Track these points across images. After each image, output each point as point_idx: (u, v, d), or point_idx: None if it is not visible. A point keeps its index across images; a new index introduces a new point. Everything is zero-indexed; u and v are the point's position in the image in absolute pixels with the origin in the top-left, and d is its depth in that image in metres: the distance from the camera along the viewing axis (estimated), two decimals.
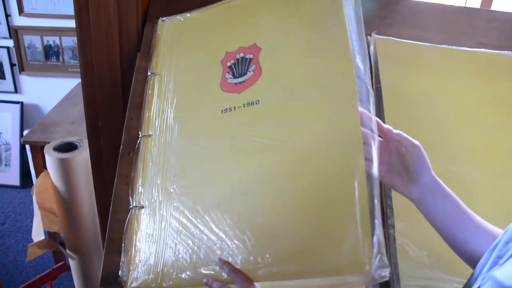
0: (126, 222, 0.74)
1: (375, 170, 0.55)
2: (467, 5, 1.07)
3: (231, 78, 0.75)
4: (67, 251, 1.59)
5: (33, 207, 1.54)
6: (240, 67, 0.75)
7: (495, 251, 0.48)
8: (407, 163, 0.59)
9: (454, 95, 0.89)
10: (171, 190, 0.71)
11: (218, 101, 0.74)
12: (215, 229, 0.65)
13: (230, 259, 0.61)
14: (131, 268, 0.70)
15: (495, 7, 1.33)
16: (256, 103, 0.70)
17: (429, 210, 0.59)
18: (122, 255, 0.72)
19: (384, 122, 0.82)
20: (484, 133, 0.86)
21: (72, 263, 1.63)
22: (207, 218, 0.66)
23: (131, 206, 0.74)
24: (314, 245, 0.58)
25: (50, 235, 1.76)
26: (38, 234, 1.52)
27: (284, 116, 0.67)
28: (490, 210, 0.77)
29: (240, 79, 0.74)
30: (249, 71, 0.73)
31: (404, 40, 0.94)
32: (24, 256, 2.08)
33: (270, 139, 0.67)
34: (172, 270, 0.67)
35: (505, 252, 0.46)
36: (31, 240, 1.55)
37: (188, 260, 0.65)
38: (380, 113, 0.85)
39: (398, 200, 0.73)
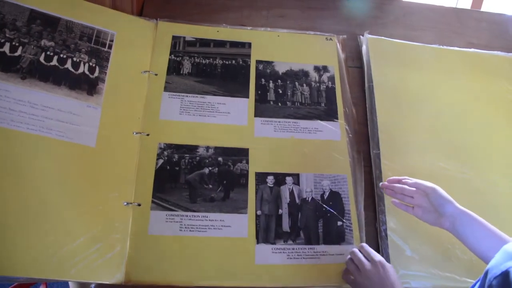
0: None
1: None
2: (457, 6, 1.09)
3: None
4: None
5: None
6: None
7: None
8: (431, 202, 0.69)
9: (445, 94, 0.91)
10: None
11: None
12: None
13: None
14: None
15: (485, 8, 1.35)
16: None
17: (461, 237, 0.66)
18: None
19: (376, 120, 0.84)
20: (475, 130, 0.87)
21: None
22: None
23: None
24: None
25: None
26: None
27: None
28: (482, 206, 0.79)
29: None
30: None
31: (396, 40, 0.96)
32: None
33: None
34: None
35: None
36: None
37: None
38: (372, 112, 0.86)
39: (390, 197, 0.74)
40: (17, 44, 0.75)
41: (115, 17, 0.86)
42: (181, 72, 0.86)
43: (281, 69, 0.90)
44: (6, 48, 0.74)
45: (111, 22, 0.85)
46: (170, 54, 0.88)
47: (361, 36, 0.96)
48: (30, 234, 0.64)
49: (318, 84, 0.89)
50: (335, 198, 0.78)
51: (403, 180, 0.73)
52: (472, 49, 0.97)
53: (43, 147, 0.70)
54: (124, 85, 0.81)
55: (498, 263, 0.37)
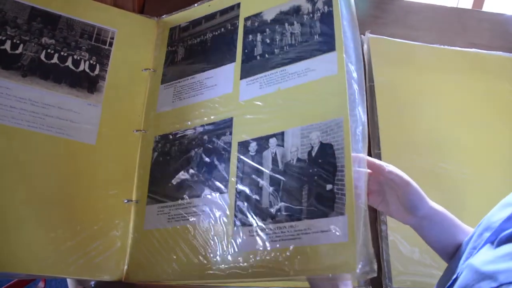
0: None
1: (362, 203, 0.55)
2: (458, 6, 1.09)
3: None
4: None
5: None
6: None
7: (470, 243, 0.49)
8: (401, 198, 0.58)
9: (446, 94, 0.91)
10: None
11: None
12: None
13: None
14: None
15: (486, 8, 1.35)
16: None
17: (425, 234, 0.59)
18: None
19: (377, 120, 0.84)
20: (475, 131, 0.87)
21: None
22: None
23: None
24: None
25: None
26: None
27: None
28: (481, 207, 0.78)
29: None
30: None
31: (397, 40, 0.95)
32: None
33: None
34: None
35: (479, 242, 0.47)
36: None
37: None
38: (373, 112, 0.86)
39: None
40: (18, 42, 0.75)
41: (116, 15, 0.86)
42: (175, 60, 0.84)
43: (269, 16, 0.78)
44: (8, 46, 0.74)
45: (112, 20, 0.85)
46: (167, 47, 0.86)
47: (362, 36, 0.96)
48: (30, 230, 0.64)
49: (311, 15, 0.72)
50: (325, 153, 0.58)
51: (375, 164, 0.59)
52: (473, 49, 0.97)
53: (43, 145, 0.71)
54: (124, 83, 0.81)
55: (469, 283, 0.34)
